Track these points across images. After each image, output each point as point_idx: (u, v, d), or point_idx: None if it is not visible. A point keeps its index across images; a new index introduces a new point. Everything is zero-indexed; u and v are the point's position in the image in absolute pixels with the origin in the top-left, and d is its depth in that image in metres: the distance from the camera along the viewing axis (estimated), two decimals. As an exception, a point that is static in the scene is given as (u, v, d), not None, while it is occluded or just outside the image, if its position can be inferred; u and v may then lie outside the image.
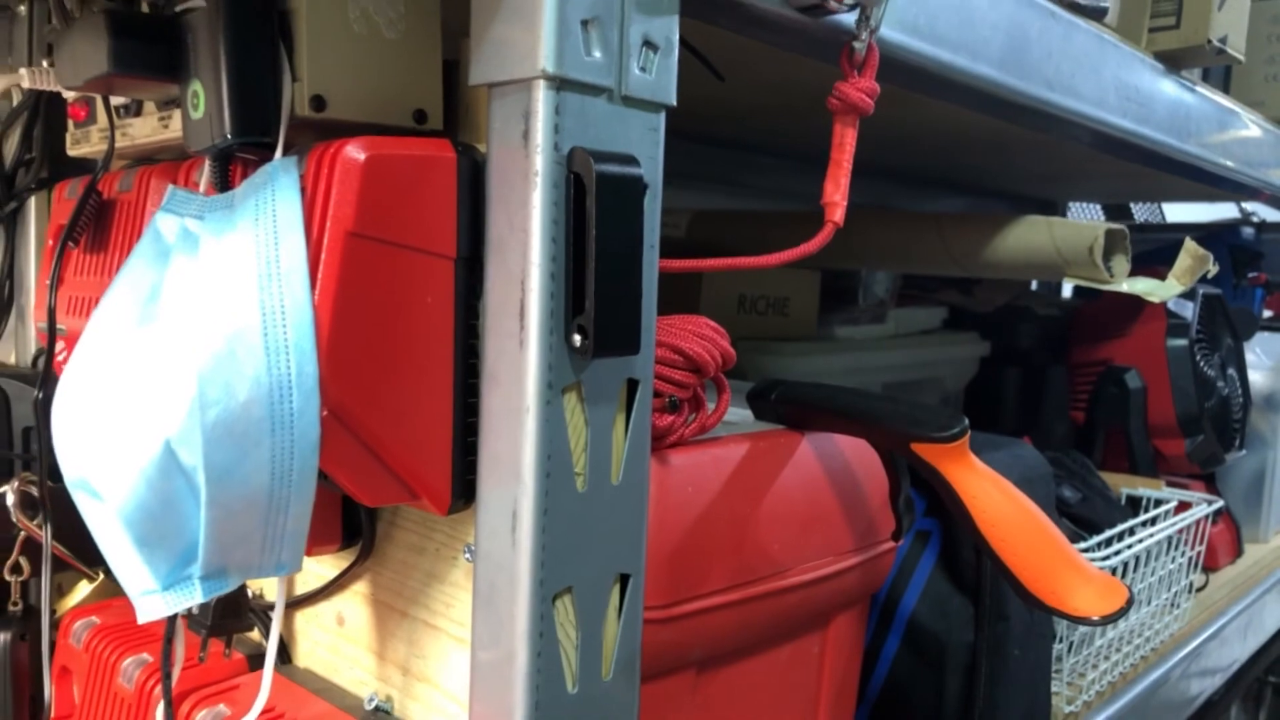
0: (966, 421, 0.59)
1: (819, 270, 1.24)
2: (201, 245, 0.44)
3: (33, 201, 0.90)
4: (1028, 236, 0.92)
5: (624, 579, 0.50)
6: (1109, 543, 0.95)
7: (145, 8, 0.53)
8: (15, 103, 0.83)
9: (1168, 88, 1.04)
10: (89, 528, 0.45)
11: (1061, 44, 0.84)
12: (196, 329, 0.41)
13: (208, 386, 0.40)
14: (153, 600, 0.44)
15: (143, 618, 0.44)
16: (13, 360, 0.92)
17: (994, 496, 0.58)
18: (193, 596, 0.44)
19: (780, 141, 1.29)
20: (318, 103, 0.46)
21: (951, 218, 0.99)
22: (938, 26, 0.67)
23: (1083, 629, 0.96)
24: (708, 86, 0.81)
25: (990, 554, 0.59)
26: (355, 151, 0.43)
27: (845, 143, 0.60)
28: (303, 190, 0.44)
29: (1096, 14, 0.93)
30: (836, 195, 0.59)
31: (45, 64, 0.63)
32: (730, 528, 0.61)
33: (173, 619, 0.49)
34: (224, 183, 0.47)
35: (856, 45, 0.58)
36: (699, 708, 0.63)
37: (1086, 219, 2.28)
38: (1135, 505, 1.23)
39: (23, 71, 0.62)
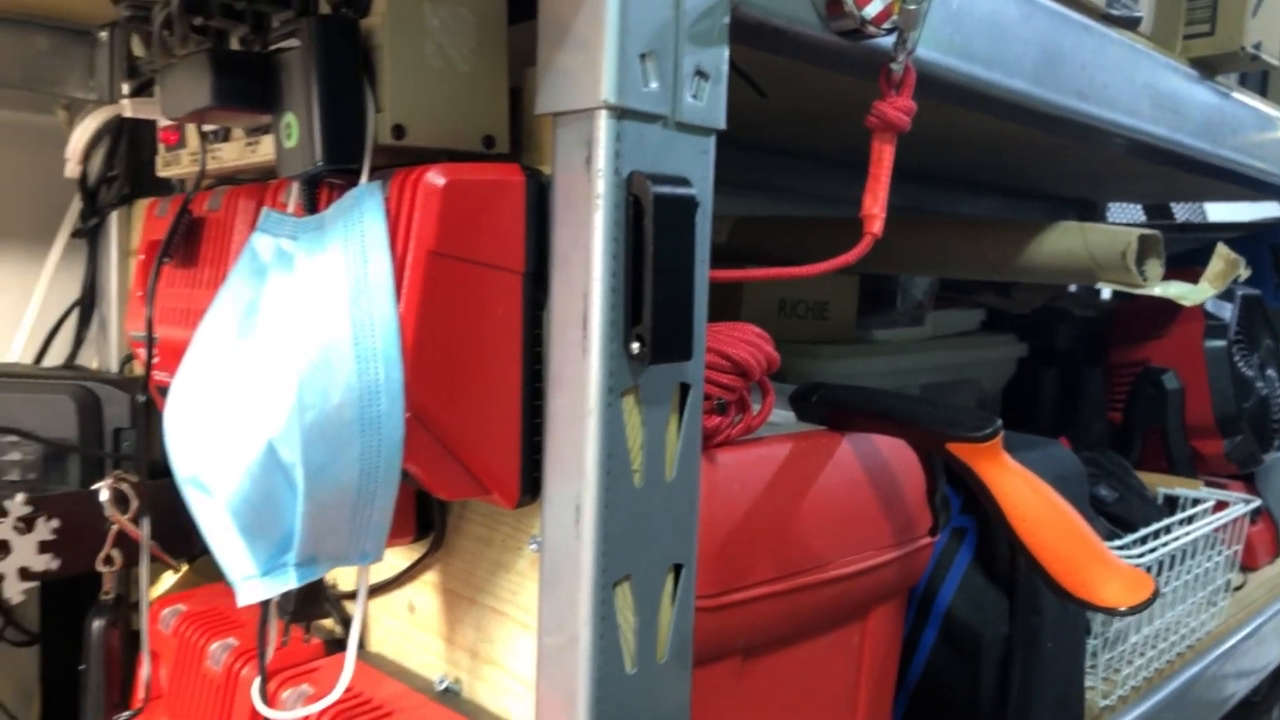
0: (999, 422, 0.62)
1: (857, 275, 1.27)
2: (296, 263, 0.48)
3: (113, 217, 0.96)
4: (1062, 242, 0.95)
5: (677, 568, 0.53)
6: (1144, 541, 0.98)
7: (235, 44, 0.58)
8: (98, 125, 0.89)
9: (1201, 94, 1.06)
10: (197, 520, 0.49)
11: (1094, 56, 0.87)
12: (295, 339, 0.45)
13: (306, 392, 0.45)
14: (253, 585, 0.48)
15: (243, 601, 0.49)
16: (94, 366, 0.98)
17: (1025, 493, 0.61)
18: (288, 582, 0.48)
19: (819, 146, 1.32)
20: (398, 131, 0.50)
21: (987, 224, 1.02)
22: (972, 45, 0.71)
23: (1117, 624, 0.98)
24: (750, 98, 0.84)
25: (1022, 548, 0.62)
26: (435, 177, 0.47)
27: (883, 159, 0.63)
28: (387, 212, 0.48)
29: (1130, 24, 0.96)
30: (875, 208, 0.63)
31: (125, 87, 0.68)
32: (775, 522, 0.64)
33: (266, 603, 0.54)
34: (312, 205, 0.52)
35: (894, 66, 0.61)
36: (745, 693, 0.66)
37: (1126, 219, 2.28)
38: (1173, 505, 1.25)
39: (125, 103, 0.67)
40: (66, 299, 0.97)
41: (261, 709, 0.54)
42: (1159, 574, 1.02)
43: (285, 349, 0.46)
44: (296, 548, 0.47)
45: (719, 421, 0.62)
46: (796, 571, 0.65)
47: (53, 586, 0.98)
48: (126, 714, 0.68)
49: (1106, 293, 1.98)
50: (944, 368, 1.36)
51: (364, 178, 0.49)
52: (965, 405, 0.63)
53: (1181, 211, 2.26)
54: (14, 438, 0.75)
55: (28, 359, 0.96)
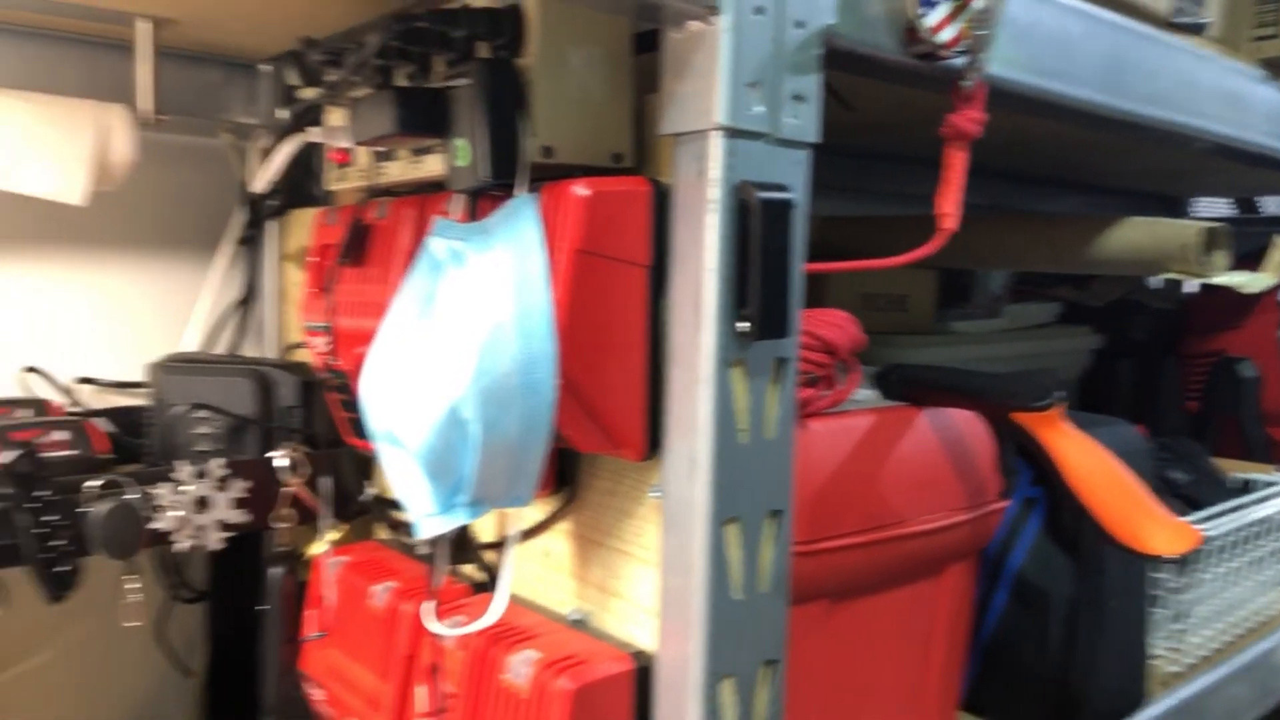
0: (1058, 393, 0.71)
1: (936, 269, 1.34)
2: (467, 260, 0.59)
3: (271, 227, 1.09)
4: (1129, 235, 1.02)
5: (776, 513, 0.63)
6: (1211, 518, 1.04)
7: (403, 80, 0.70)
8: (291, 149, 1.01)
9: (1269, 94, 1.11)
10: (386, 469, 0.61)
11: (1159, 63, 0.94)
12: (471, 320, 0.57)
13: (482, 361, 0.56)
14: (433, 521, 0.60)
15: (423, 534, 0.60)
16: (253, 356, 1.12)
17: (1081, 455, 0.70)
18: (460, 519, 0.60)
19: (898, 149, 1.40)
20: (547, 151, 0.61)
21: (1059, 220, 1.09)
22: (1040, 60, 0.79)
23: (1185, 596, 1.04)
24: (838, 110, 0.93)
25: (1080, 504, 0.70)
26: (581, 189, 0.58)
27: (956, 164, 0.72)
28: (541, 218, 0.59)
29: (1195, 30, 1.02)
30: (948, 208, 0.72)
31: (312, 130, 0.81)
32: (859, 482, 0.74)
33: (439, 539, 0.65)
34: (474, 213, 0.63)
35: (965, 83, 0.70)
36: (833, 633, 0.76)
37: (1212, 214, 2.29)
38: (1248, 491, 1.29)
39: (312, 130, 0.79)
40: (230, 298, 1.12)
41: (432, 626, 0.65)
42: (1229, 550, 1.07)
43: (463, 328, 0.57)
44: (468, 490, 0.59)
45: (810, 394, 0.71)
46: (878, 526, 0.75)
47: (217, 552, 1.12)
48: (316, 634, 0.80)
49: (1191, 285, 2.00)
50: (1020, 358, 1.42)
51: (521, 190, 0.60)
52: (1029, 378, 0.71)
53: (1272, 205, 2.26)
54: (205, 413, 0.88)
55: (200, 348, 1.11)
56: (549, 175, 0.61)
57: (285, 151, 0.85)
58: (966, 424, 0.81)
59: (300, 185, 1.06)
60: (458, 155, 0.61)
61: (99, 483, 0.76)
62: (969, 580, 0.87)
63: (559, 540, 0.73)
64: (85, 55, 0.97)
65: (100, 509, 0.76)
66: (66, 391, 1.03)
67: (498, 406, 0.56)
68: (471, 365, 0.56)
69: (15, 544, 0.73)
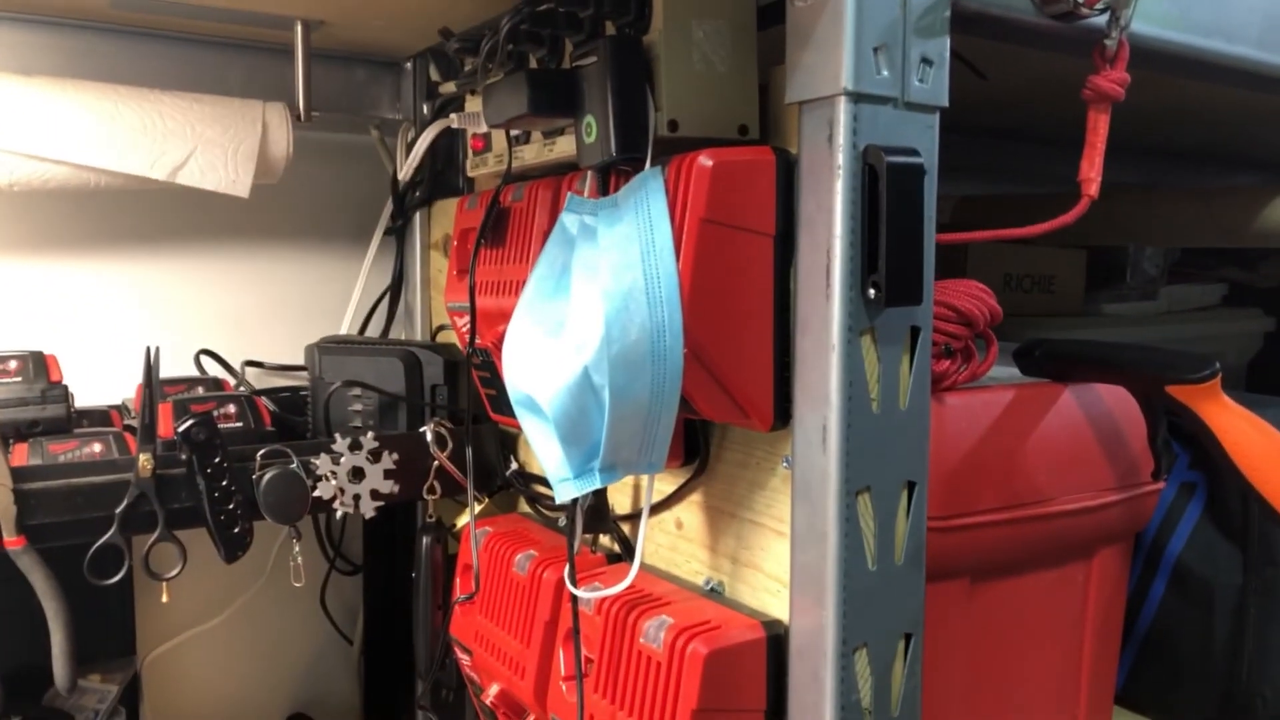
0: (1217, 364, 0.67)
1: (1085, 249, 1.29)
2: (598, 233, 0.61)
3: (417, 217, 1.15)
4: (1300, 203, 0.95)
5: (910, 485, 0.62)
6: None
7: (534, 64, 0.73)
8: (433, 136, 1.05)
9: None
10: (526, 435, 0.63)
11: (1331, 14, 0.87)
12: (601, 290, 0.58)
13: (612, 328, 0.57)
14: (567, 485, 0.62)
15: (560, 498, 0.62)
16: (403, 338, 1.18)
17: (1246, 430, 0.66)
18: (594, 483, 0.61)
19: (1037, 128, 1.34)
20: (673, 125, 0.62)
21: (1219, 190, 1.03)
22: (1191, 16, 0.75)
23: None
24: (970, 85, 0.91)
25: (1245, 483, 0.66)
26: (705, 160, 0.59)
27: (1099, 127, 0.69)
28: (667, 190, 0.60)
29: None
30: (1092, 173, 0.69)
31: (454, 116, 0.84)
32: (999, 459, 0.72)
33: (574, 503, 0.67)
34: (605, 188, 0.65)
35: (1108, 43, 0.67)
36: (974, 614, 0.74)
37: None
38: None
39: (453, 115, 0.83)
40: (380, 284, 1.18)
41: (571, 588, 0.67)
42: None
43: (594, 298, 0.59)
44: (601, 456, 0.60)
45: (947, 366, 0.70)
46: (1020, 504, 0.72)
47: (372, 528, 1.19)
48: (464, 596, 0.84)
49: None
50: (1180, 342, 1.35)
51: (648, 164, 0.62)
52: (1185, 351, 0.67)
53: None
54: (358, 390, 0.94)
55: (353, 332, 1.17)
56: (675, 149, 0.62)
57: (427, 139, 0.89)
58: (1114, 401, 0.77)
59: (443, 176, 1.12)
60: (587, 132, 0.63)
61: (263, 451, 0.82)
62: (1122, 566, 0.83)
63: (690, 512, 0.74)
64: (241, 59, 1.05)
65: (267, 476, 0.82)
66: (234, 373, 1.11)
67: (627, 372, 0.58)
68: (601, 332, 0.57)
69: (195, 506, 0.79)
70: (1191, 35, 0.74)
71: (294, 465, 0.83)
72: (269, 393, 1.09)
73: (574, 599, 0.68)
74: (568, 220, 0.64)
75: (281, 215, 1.15)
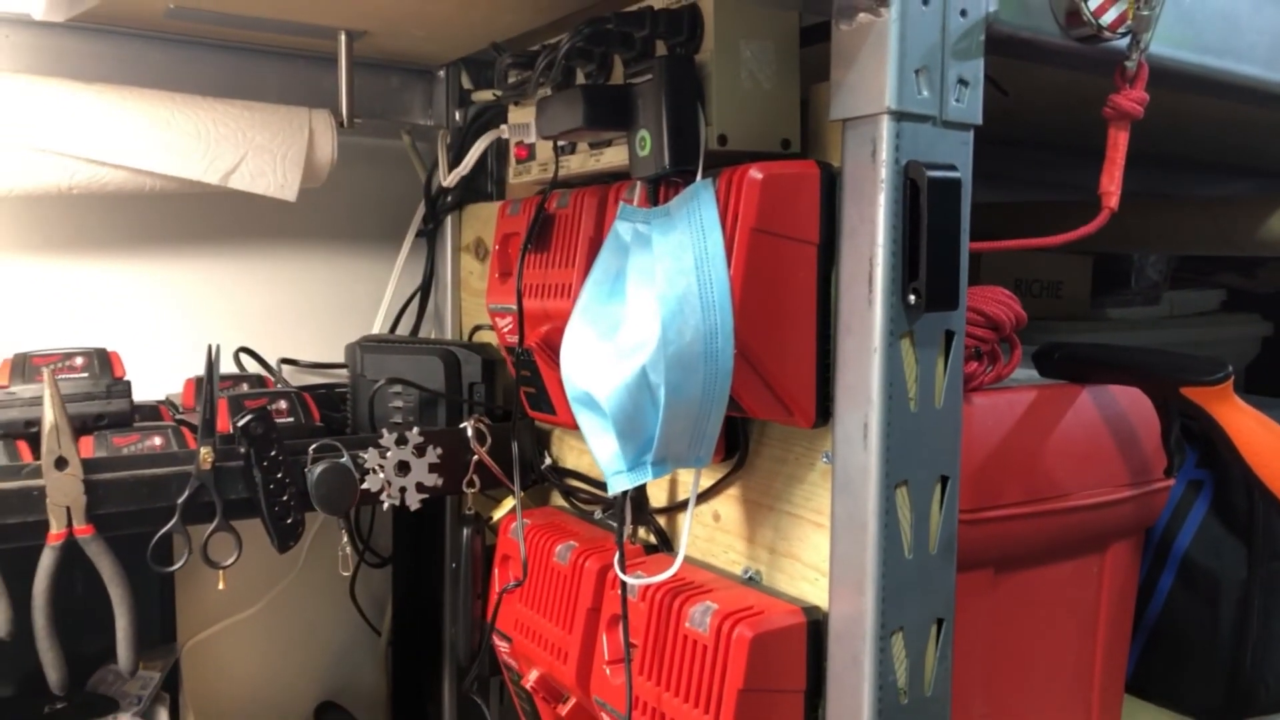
0: (1230, 368, 0.71)
1: (1091, 255, 1.33)
2: (654, 241, 0.65)
3: (448, 220, 1.19)
4: (1302, 214, 0.99)
5: (944, 479, 0.66)
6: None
7: (581, 78, 0.76)
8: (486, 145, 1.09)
9: None
10: (583, 431, 0.67)
11: (1334, 35, 0.91)
12: (658, 294, 0.62)
13: (668, 331, 0.61)
14: (621, 477, 0.66)
15: (614, 489, 0.66)
16: (433, 337, 1.22)
17: (1258, 431, 0.70)
18: (646, 476, 0.65)
19: (1047, 136, 1.38)
20: (722, 140, 0.66)
21: (1224, 200, 1.07)
22: (1204, 38, 0.79)
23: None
24: (990, 98, 0.94)
25: (1256, 483, 0.71)
26: (756, 173, 0.63)
27: (1118, 144, 0.73)
28: (718, 201, 0.64)
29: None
30: (1111, 186, 0.73)
31: (504, 127, 0.88)
32: (1022, 456, 0.76)
33: (624, 495, 0.71)
34: (655, 198, 0.69)
35: (1128, 64, 0.71)
36: (997, 602, 0.78)
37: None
38: None
39: (504, 126, 0.87)
40: (410, 286, 1.22)
41: (621, 575, 0.71)
42: None
43: (650, 301, 0.63)
44: (654, 450, 0.64)
45: (975, 368, 0.74)
46: (1041, 498, 0.76)
47: (401, 521, 1.22)
48: (513, 583, 0.87)
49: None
50: (1181, 345, 1.39)
51: (699, 176, 0.65)
52: (1197, 355, 0.71)
53: None
54: (399, 387, 0.97)
55: (384, 332, 1.21)
56: (723, 161, 0.66)
57: (480, 147, 0.93)
58: (1130, 402, 0.82)
59: (474, 181, 1.15)
60: (641, 146, 0.67)
61: (315, 445, 0.85)
62: (1133, 559, 0.87)
63: (728, 505, 0.78)
64: (284, 66, 1.08)
65: (319, 469, 0.85)
66: (271, 370, 1.14)
67: (682, 371, 0.62)
68: (658, 334, 0.61)
69: (251, 498, 0.83)
70: (1204, 56, 0.79)
71: (344, 459, 0.86)
72: (306, 390, 1.13)
73: (623, 585, 0.71)
74: (621, 228, 0.68)
75: (317, 218, 1.19)
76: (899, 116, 0.61)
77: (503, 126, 0.87)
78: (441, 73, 1.17)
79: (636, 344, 0.63)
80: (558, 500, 1.00)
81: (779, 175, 0.64)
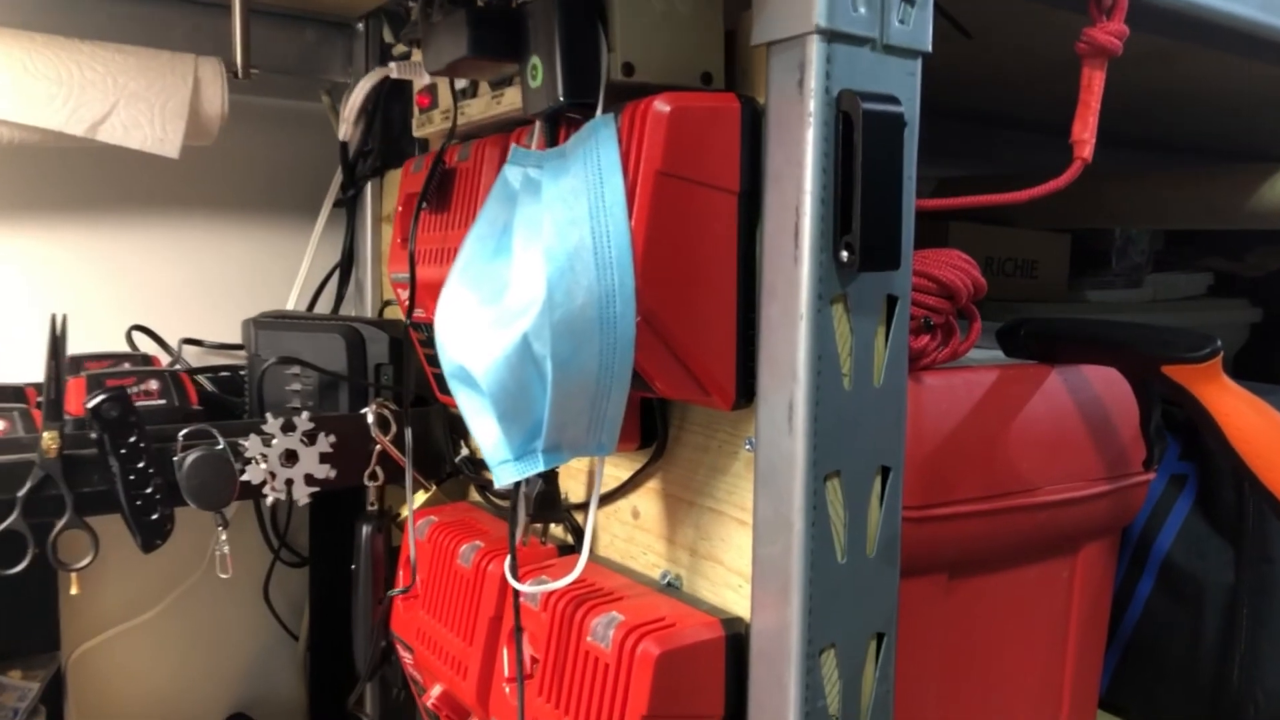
0: (1218, 343, 0.61)
1: (1069, 233, 1.24)
2: (543, 187, 0.55)
3: (369, 187, 1.08)
4: (1298, 181, 0.90)
5: (885, 470, 0.57)
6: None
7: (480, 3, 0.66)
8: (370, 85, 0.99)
9: None
10: (462, 412, 0.57)
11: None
12: (544, 250, 0.52)
13: (554, 292, 0.51)
14: (506, 468, 0.56)
15: (499, 482, 0.56)
16: (352, 314, 1.11)
17: (1248, 414, 0.60)
18: (536, 466, 0.55)
19: (1022, 113, 1.29)
20: (627, 69, 0.56)
21: (1211, 170, 0.98)
22: (1191, -31, 0.69)
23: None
24: (954, 54, 0.85)
25: (1246, 472, 0.61)
26: (661, 105, 0.53)
27: (1093, 85, 0.64)
28: (620, 140, 0.54)
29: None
30: (1085, 134, 0.64)
31: (392, 64, 0.78)
32: (980, 445, 0.66)
33: (517, 488, 0.61)
34: (553, 140, 0.59)
35: (1104, -9, 0.62)
36: (951, 611, 0.68)
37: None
38: None
39: (391, 65, 0.77)
40: (331, 260, 1.11)
41: (512, 582, 0.61)
42: None
43: (536, 258, 0.53)
44: (544, 435, 0.54)
45: (926, 343, 0.64)
46: (1002, 493, 0.67)
47: (319, 518, 1.12)
48: (399, 589, 0.78)
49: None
50: (1166, 331, 1.30)
51: (599, 111, 0.56)
52: (1180, 327, 0.62)
53: None
54: (296, 369, 0.87)
55: (300, 310, 1.11)
56: (631, 96, 0.56)
57: (362, 90, 0.83)
58: (1105, 385, 0.72)
59: (398, 144, 1.05)
60: (532, 75, 0.57)
61: (186, 431, 0.75)
62: (1108, 561, 0.78)
63: (648, 499, 0.69)
64: (185, 17, 0.97)
65: (190, 458, 0.75)
66: (170, 350, 1.04)
67: (572, 340, 0.52)
68: (543, 295, 0.51)
69: (108, 490, 0.73)
70: (1192, -10, 0.69)
71: (220, 447, 0.76)
72: (207, 371, 1.02)
73: (515, 594, 0.61)
74: (510, 174, 0.58)
75: (226, 185, 1.08)
76: (830, 37, 0.52)
77: (391, 65, 0.77)
78: (360, 25, 1.06)
79: (519, 309, 0.53)
80: (476, 495, 0.90)
81: (690, 109, 0.54)
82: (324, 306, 1.12)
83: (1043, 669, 0.76)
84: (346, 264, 1.12)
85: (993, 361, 0.73)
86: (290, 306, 1.11)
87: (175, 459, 0.75)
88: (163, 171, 1.01)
